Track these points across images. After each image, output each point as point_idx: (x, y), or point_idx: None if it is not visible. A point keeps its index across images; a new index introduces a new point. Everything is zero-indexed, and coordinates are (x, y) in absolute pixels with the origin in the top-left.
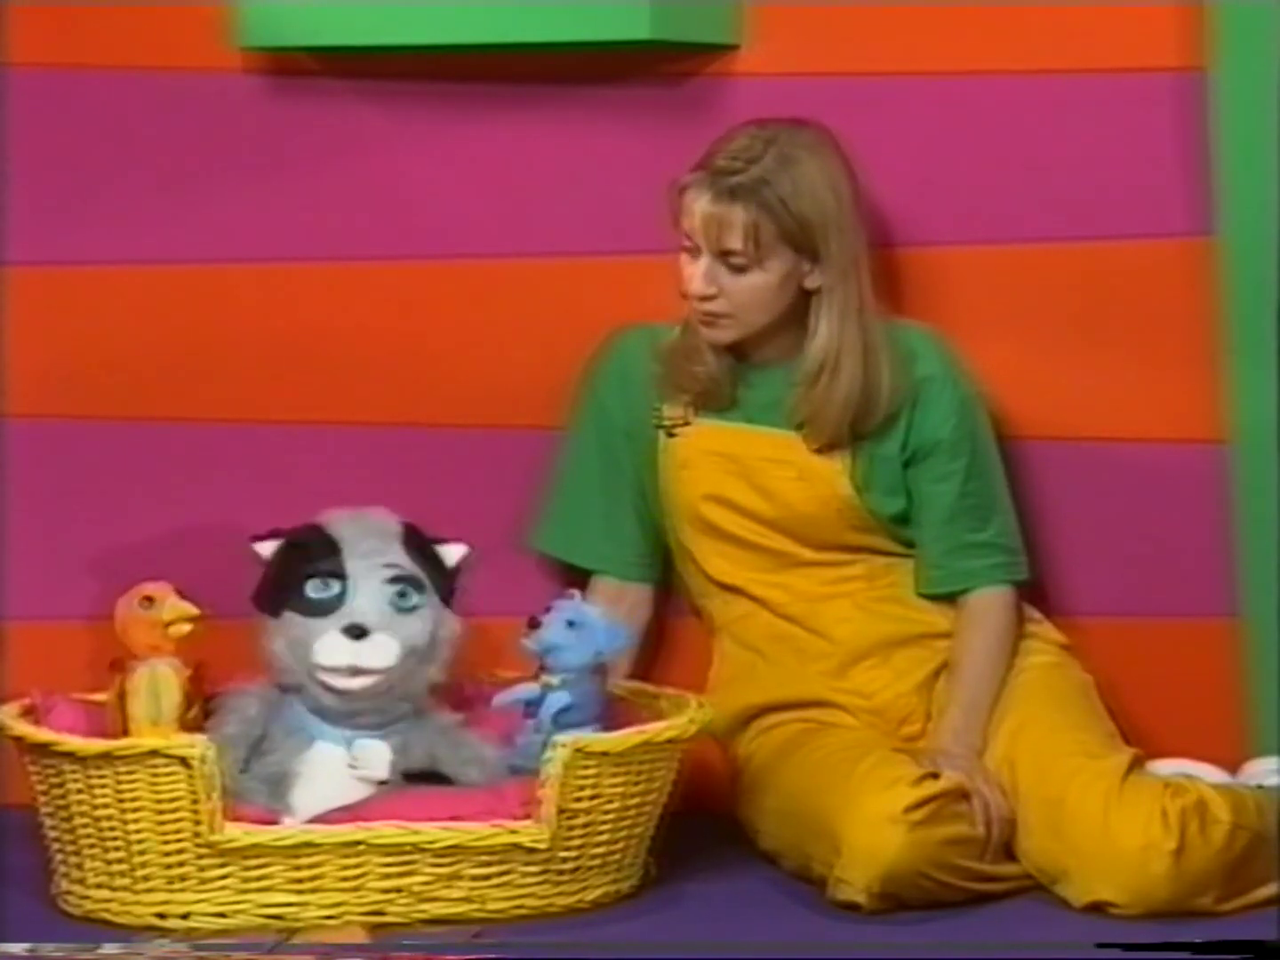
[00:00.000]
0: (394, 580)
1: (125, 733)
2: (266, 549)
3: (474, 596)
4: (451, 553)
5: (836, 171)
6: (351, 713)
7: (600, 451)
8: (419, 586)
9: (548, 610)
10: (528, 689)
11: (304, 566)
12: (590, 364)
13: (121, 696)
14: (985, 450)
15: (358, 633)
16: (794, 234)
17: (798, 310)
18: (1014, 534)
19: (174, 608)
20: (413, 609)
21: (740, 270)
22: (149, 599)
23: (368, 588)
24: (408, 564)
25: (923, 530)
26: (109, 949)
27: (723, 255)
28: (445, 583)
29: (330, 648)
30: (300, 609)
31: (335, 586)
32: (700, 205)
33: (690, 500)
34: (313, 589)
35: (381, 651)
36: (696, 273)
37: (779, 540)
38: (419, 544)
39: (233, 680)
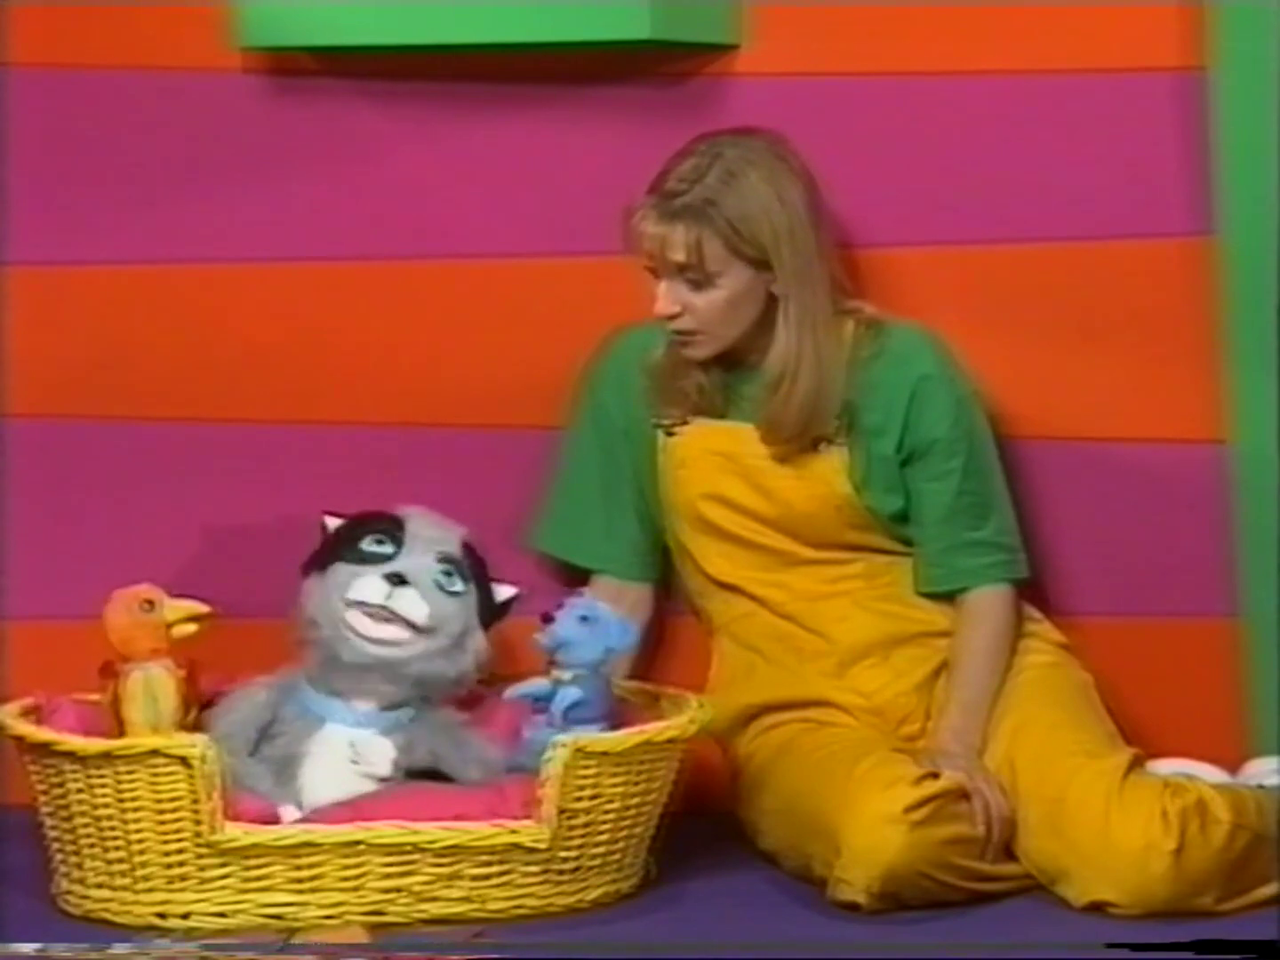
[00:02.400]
0: (443, 560)
1: (121, 736)
2: (333, 522)
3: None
4: (502, 591)
5: (786, 179)
6: (363, 682)
7: (599, 451)
8: (465, 578)
9: (559, 606)
10: (539, 684)
11: (366, 528)
12: (589, 364)
13: (115, 701)
14: (982, 449)
15: (397, 579)
16: (742, 248)
17: (773, 315)
18: (1013, 532)
19: (175, 608)
20: (454, 594)
21: (698, 286)
22: (149, 602)
23: (418, 556)
24: (455, 554)
25: (921, 529)
26: (118, 949)
27: (678, 273)
28: (489, 608)
29: (368, 585)
30: (351, 559)
31: (389, 546)
32: (646, 227)
33: (689, 499)
34: (368, 544)
35: (413, 604)
36: (660, 294)
37: (778, 539)
38: (476, 560)
39: (235, 680)
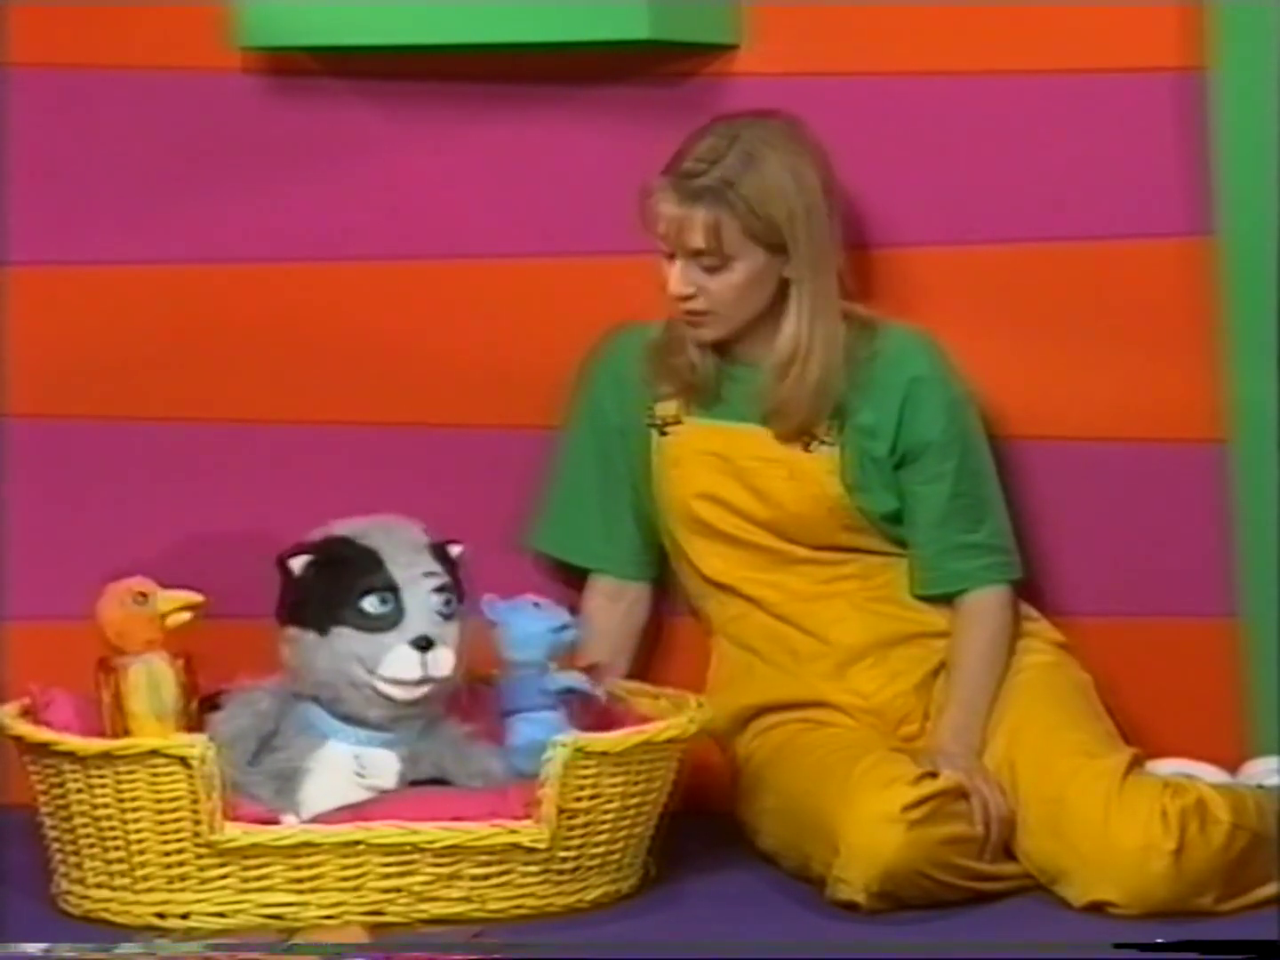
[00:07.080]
0: (438, 590)
1: (126, 732)
2: (299, 564)
3: (472, 597)
4: (453, 552)
5: (803, 163)
6: (390, 718)
7: (596, 450)
8: (456, 593)
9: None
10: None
11: (356, 582)
12: (585, 362)
13: (116, 696)
14: (976, 451)
15: (425, 644)
16: (759, 231)
17: (780, 304)
18: (1007, 533)
19: (168, 599)
20: (453, 615)
21: (712, 270)
22: (142, 594)
23: (418, 600)
24: (441, 571)
25: (915, 532)
26: (124, 949)
27: (693, 255)
28: (459, 583)
29: (402, 661)
30: (357, 624)
31: (391, 601)
32: (664, 209)
33: (683, 499)
34: (370, 605)
35: (445, 661)
36: (673, 274)
37: (771, 539)
38: (440, 551)
39: (235, 679)
